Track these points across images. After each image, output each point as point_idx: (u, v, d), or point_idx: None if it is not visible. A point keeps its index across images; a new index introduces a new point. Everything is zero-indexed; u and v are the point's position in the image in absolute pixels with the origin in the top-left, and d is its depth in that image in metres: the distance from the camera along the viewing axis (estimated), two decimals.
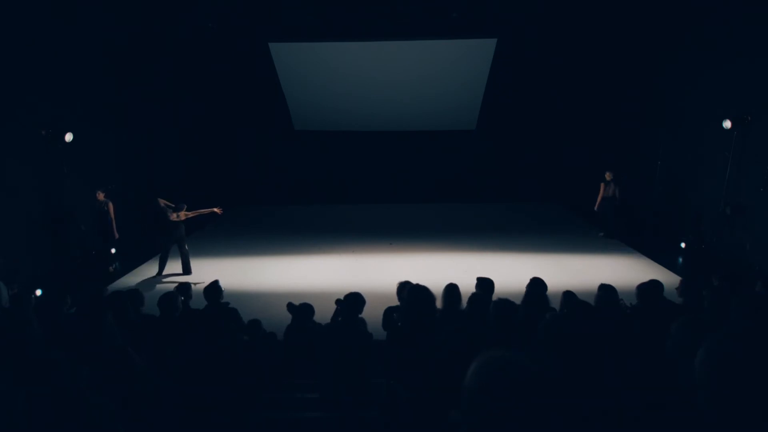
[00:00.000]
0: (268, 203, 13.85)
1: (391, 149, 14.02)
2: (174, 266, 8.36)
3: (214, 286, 4.84)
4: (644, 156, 11.38)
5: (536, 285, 4.61)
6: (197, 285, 5.77)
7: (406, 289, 4.63)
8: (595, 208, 10.46)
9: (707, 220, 8.98)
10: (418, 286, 3.48)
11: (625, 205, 10.37)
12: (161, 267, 8.32)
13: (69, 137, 8.19)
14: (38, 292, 6.55)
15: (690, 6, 9.54)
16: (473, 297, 4.26)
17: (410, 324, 3.29)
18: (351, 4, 10.68)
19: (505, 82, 12.51)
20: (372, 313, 4.72)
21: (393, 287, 4.98)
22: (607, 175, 10.35)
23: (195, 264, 8.76)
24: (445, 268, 8.16)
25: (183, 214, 8.20)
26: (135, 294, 4.53)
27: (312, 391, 3.68)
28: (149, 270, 8.61)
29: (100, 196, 8.71)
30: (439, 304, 3.77)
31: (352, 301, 3.79)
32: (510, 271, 8.07)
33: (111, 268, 8.54)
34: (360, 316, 4.18)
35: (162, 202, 8.30)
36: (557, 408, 1.10)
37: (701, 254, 8.69)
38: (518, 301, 3.85)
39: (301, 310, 4.76)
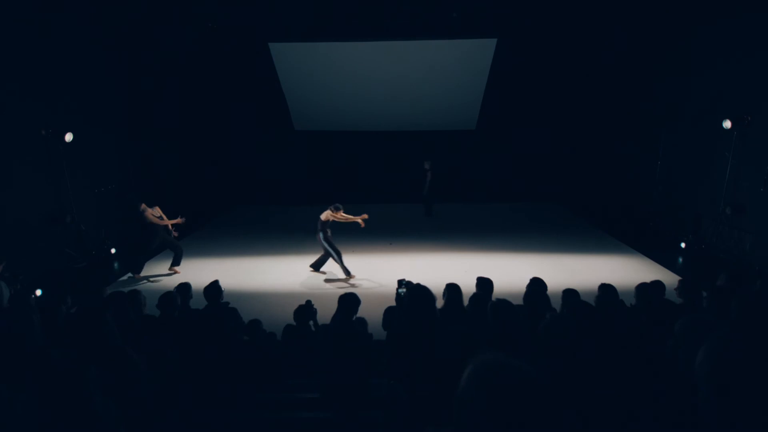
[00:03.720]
0: (268, 203, 13.85)
1: (391, 149, 14.02)
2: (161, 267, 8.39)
3: (214, 286, 4.84)
4: (644, 156, 11.40)
5: (536, 285, 4.63)
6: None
7: (405, 287, 4.64)
8: (425, 192, 12.23)
9: (707, 220, 8.98)
10: (418, 285, 3.48)
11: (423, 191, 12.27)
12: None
13: (69, 137, 8.20)
14: (38, 292, 6.54)
15: (690, 6, 9.54)
16: (473, 297, 4.26)
17: (410, 324, 3.28)
18: (351, 4, 10.68)
19: (505, 82, 12.51)
20: (372, 313, 4.73)
21: (393, 287, 4.98)
22: (426, 164, 11.97)
23: (195, 264, 8.76)
24: (445, 268, 8.16)
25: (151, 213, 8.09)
26: (135, 294, 4.52)
27: (312, 391, 3.68)
28: (149, 270, 8.60)
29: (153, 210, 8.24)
30: (439, 303, 3.77)
31: (347, 301, 3.79)
32: (510, 271, 8.07)
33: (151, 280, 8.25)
34: (360, 316, 4.18)
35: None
36: (555, 412, 1.09)
37: (701, 254, 8.69)
38: (518, 301, 3.85)
39: (307, 308, 4.78)
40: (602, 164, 13.26)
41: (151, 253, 8.44)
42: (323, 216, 7.92)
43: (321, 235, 7.93)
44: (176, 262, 8.36)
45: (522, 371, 1.09)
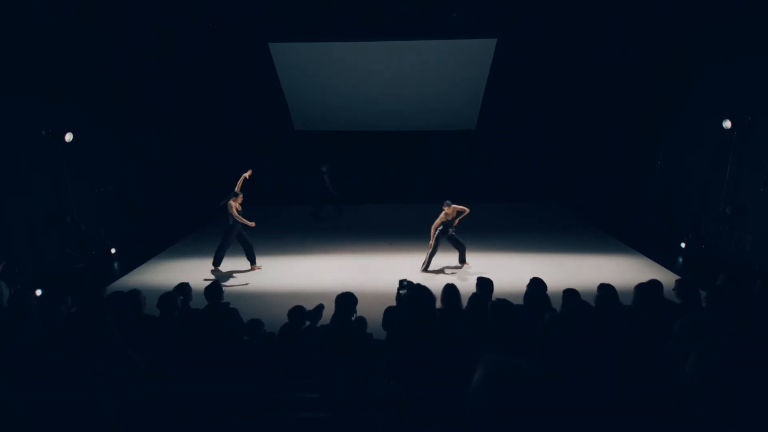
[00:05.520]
0: (268, 203, 13.85)
1: (391, 149, 14.02)
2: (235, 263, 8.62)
3: (215, 286, 4.84)
4: (644, 156, 11.40)
5: (536, 285, 4.63)
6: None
7: (406, 287, 4.65)
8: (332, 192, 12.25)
9: (707, 220, 8.98)
10: (418, 285, 3.48)
11: (329, 192, 12.17)
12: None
13: (69, 137, 8.20)
14: (38, 292, 6.55)
15: (690, 6, 9.55)
16: (473, 297, 4.26)
17: (410, 324, 3.28)
18: (351, 4, 10.68)
19: (505, 82, 12.51)
20: (372, 313, 4.73)
21: (393, 287, 4.98)
22: (323, 167, 12.05)
23: (195, 264, 8.78)
24: (444, 268, 8.16)
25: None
26: (135, 294, 4.53)
27: (312, 391, 3.68)
28: (149, 270, 8.61)
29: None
30: (438, 304, 3.77)
31: (344, 301, 3.79)
32: (510, 271, 8.08)
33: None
34: (360, 315, 4.18)
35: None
36: (559, 412, 1.10)
37: (701, 254, 8.69)
38: (518, 301, 3.85)
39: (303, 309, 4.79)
40: (602, 164, 13.26)
41: (227, 247, 8.46)
42: (441, 220, 8.12)
43: (446, 231, 8.13)
44: (252, 260, 8.50)
45: (533, 373, 1.11)
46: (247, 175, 8.81)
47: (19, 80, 7.68)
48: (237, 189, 8.50)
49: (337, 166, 12.58)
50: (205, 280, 7.84)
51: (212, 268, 8.45)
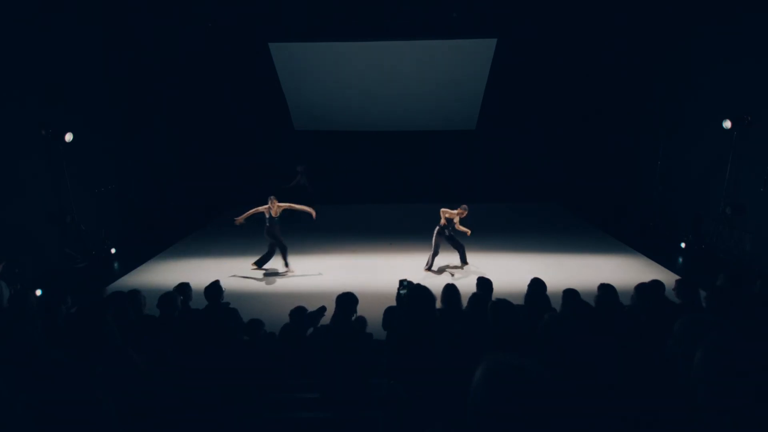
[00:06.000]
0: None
1: (391, 149, 14.02)
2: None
3: (215, 286, 4.84)
4: (644, 156, 11.40)
5: (536, 285, 4.63)
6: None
7: (406, 287, 4.65)
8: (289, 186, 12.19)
9: (707, 220, 8.98)
10: (418, 285, 3.48)
11: (307, 192, 12.03)
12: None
13: (69, 137, 8.21)
14: (38, 292, 6.55)
15: (690, 6, 9.55)
16: (473, 297, 4.27)
17: (410, 324, 3.28)
18: (351, 4, 10.68)
19: (505, 82, 12.52)
20: (372, 313, 4.73)
21: (393, 287, 4.98)
22: (299, 168, 12.19)
23: (195, 264, 8.77)
24: (446, 268, 8.16)
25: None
26: (135, 294, 4.52)
27: (312, 391, 3.68)
28: (149, 270, 8.60)
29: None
30: (438, 304, 3.77)
31: (344, 301, 3.79)
32: (510, 271, 8.08)
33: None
34: (360, 315, 4.18)
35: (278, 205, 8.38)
36: (564, 413, 1.10)
37: (701, 254, 8.69)
38: (518, 301, 3.85)
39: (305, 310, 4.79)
40: (602, 164, 13.26)
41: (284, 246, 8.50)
42: (448, 214, 8.15)
43: (443, 232, 8.21)
44: (260, 263, 8.48)
45: (534, 373, 1.11)
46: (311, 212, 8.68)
47: (19, 80, 7.68)
48: (284, 206, 8.58)
49: (314, 167, 12.53)
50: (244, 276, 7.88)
51: (285, 269, 8.43)
